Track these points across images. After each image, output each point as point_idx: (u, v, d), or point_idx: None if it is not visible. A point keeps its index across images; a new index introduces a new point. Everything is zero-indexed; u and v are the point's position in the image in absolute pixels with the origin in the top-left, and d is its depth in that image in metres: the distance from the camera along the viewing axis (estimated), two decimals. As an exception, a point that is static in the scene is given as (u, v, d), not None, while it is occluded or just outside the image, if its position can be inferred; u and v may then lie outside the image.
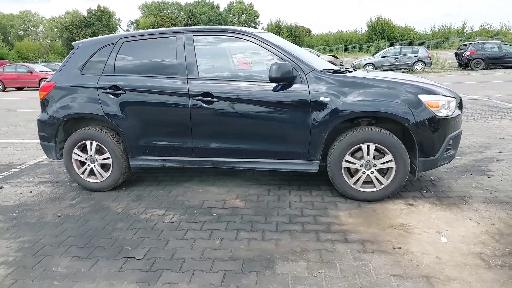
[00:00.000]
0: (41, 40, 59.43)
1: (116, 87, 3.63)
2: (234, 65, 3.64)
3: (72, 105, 3.76)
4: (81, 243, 2.88)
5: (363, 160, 3.32)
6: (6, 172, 4.84)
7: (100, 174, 3.87)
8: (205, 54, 3.58)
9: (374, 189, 3.36)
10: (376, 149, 3.28)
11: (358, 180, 3.36)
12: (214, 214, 3.29)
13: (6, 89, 21.02)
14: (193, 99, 3.47)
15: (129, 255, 2.67)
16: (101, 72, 3.72)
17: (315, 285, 2.24)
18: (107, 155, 3.80)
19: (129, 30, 64.38)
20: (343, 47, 38.80)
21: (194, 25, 56.24)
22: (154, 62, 3.67)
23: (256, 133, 3.46)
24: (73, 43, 4.06)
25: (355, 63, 21.24)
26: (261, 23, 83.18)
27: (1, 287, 2.37)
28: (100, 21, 59.54)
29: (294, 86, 3.32)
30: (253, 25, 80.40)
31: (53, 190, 4.08)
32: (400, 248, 2.61)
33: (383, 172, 3.36)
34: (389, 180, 3.31)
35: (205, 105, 3.46)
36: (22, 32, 73.22)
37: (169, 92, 3.52)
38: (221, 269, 2.44)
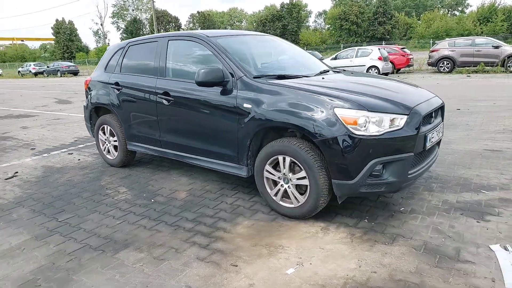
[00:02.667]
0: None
1: (117, 83, 4.42)
2: (192, 67, 3.86)
3: (96, 96, 4.77)
4: (48, 201, 3.80)
5: (281, 173, 3.13)
6: (88, 143, 6.38)
7: (112, 153, 4.79)
8: (174, 57, 3.95)
9: (292, 206, 3.12)
10: (295, 163, 3.04)
11: (278, 192, 3.19)
12: (152, 201, 3.71)
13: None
14: (158, 97, 3.93)
15: (58, 216, 3.41)
16: (113, 71, 4.58)
17: (119, 273, 2.46)
18: (115, 138, 4.67)
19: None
20: None
21: (384, 13, 54.96)
22: (143, 63, 4.28)
23: (199, 132, 3.67)
24: (107, 46, 5.05)
25: None
26: (471, 6, 72.86)
27: (-22, 218, 3.46)
28: (290, 14, 63.75)
29: (230, 90, 3.37)
30: (460, 8, 71.16)
31: (92, 161, 5.25)
32: (236, 266, 2.50)
33: (302, 189, 3.08)
34: (305, 199, 3.02)
35: (165, 103, 3.87)
36: (229, 27, 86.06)
37: (146, 90, 4.08)
38: (86, 243, 2.90)
